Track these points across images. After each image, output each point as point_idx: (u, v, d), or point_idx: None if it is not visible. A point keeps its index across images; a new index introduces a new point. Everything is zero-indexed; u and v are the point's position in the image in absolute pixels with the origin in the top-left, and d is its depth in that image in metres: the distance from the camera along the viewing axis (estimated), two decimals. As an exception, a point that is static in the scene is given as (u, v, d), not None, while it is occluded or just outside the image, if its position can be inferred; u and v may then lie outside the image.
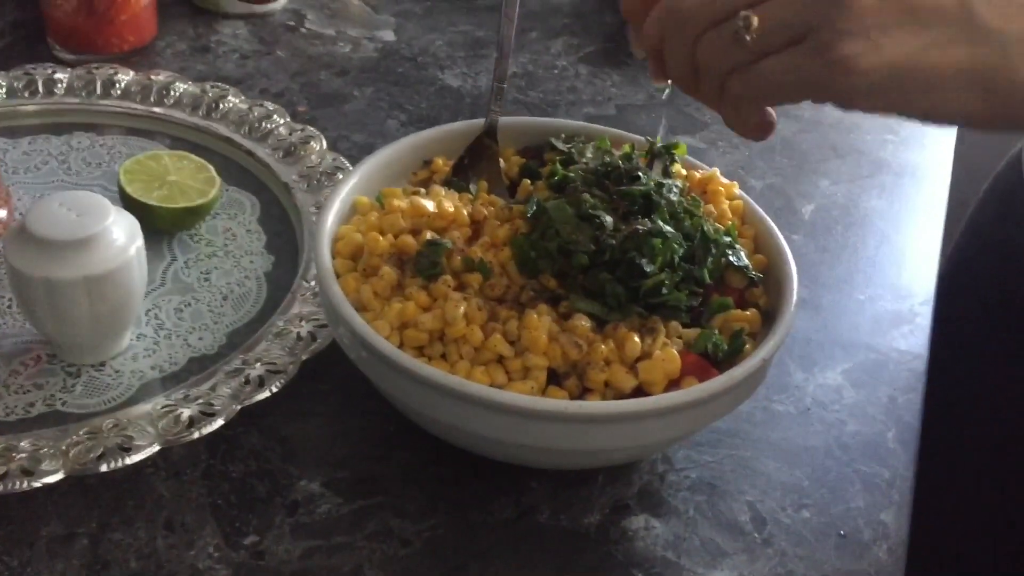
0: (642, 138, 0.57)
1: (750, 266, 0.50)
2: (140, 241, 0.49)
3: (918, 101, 0.39)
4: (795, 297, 0.49)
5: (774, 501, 0.50)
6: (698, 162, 0.57)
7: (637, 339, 0.45)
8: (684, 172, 0.55)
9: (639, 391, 0.45)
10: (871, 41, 0.38)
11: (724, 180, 0.55)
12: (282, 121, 0.68)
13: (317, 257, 0.48)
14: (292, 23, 0.84)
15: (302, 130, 0.67)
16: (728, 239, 0.50)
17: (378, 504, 0.48)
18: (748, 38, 0.39)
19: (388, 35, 0.84)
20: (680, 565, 0.47)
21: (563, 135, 0.58)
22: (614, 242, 0.47)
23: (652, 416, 0.43)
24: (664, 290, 0.47)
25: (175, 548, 0.45)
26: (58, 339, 0.50)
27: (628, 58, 0.84)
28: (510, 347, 0.44)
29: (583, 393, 0.45)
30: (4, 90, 0.68)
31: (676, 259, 0.48)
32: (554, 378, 0.45)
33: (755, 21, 0.39)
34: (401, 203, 0.51)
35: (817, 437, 0.54)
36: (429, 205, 0.50)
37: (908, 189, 0.74)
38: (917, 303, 0.64)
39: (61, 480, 0.45)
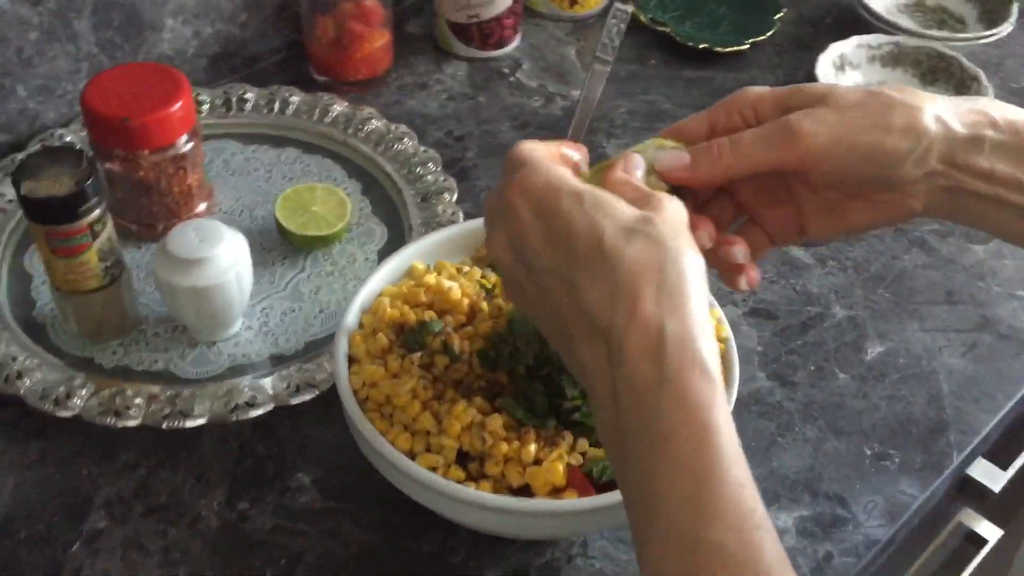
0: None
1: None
2: (243, 265, 0.66)
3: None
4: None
5: (654, 612, 0.57)
6: (711, 300, 0.63)
7: (533, 448, 0.54)
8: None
9: (527, 488, 0.54)
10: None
11: (713, 321, 0.61)
12: (434, 169, 0.82)
13: (347, 311, 0.62)
14: (507, 70, 0.97)
15: (444, 180, 0.81)
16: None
17: (343, 509, 0.62)
18: None
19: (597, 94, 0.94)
20: (540, 636, 0.56)
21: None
22: (552, 362, 0.56)
23: (505, 513, 0.52)
24: (578, 414, 0.55)
25: (193, 496, 0.62)
26: (181, 321, 0.69)
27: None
28: (436, 425, 0.56)
29: (480, 477, 0.55)
30: (251, 104, 0.88)
31: (602, 388, 0.56)
32: (466, 457, 0.56)
33: None
34: (429, 279, 0.63)
35: (731, 570, 0.59)
36: (449, 284, 0.62)
37: (1002, 352, 0.72)
38: (925, 474, 0.65)
39: (140, 424, 0.64)
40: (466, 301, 0.61)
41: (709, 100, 0.94)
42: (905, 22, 0.99)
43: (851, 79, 0.94)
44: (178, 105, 0.71)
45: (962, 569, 0.93)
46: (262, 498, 0.62)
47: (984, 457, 0.75)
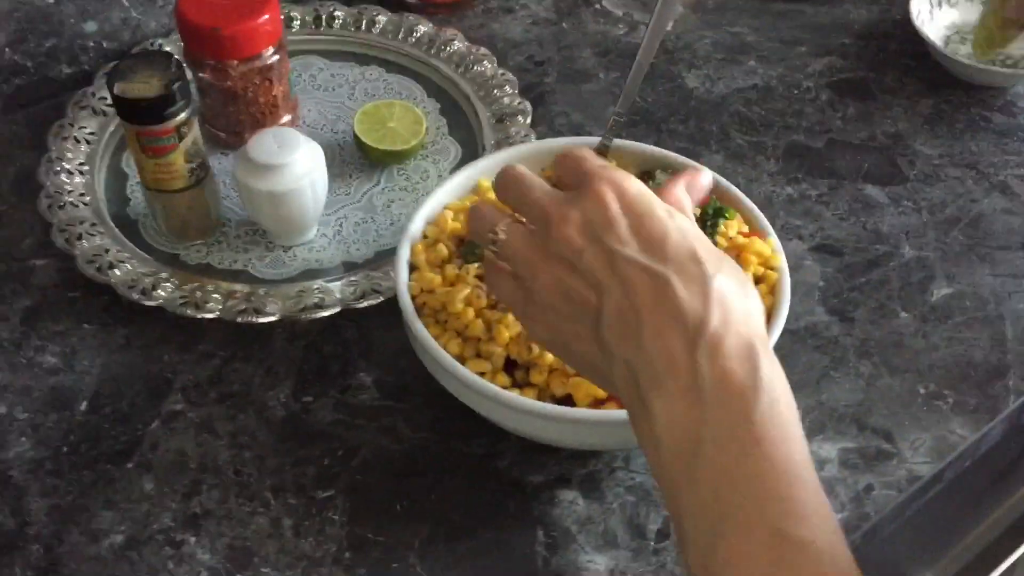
0: (740, 194, 0.64)
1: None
2: (318, 174, 0.69)
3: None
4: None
5: (688, 526, 0.59)
6: (764, 224, 0.63)
7: (577, 359, 0.56)
8: (731, 235, 0.62)
9: (570, 398, 0.56)
10: (530, 320, 0.50)
11: (767, 250, 0.61)
12: (511, 91, 0.83)
13: (411, 222, 0.64)
14: (594, -3, 0.97)
15: (519, 103, 0.82)
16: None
17: (399, 408, 0.65)
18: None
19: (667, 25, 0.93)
20: (576, 539, 0.59)
21: (670, 169, 0.67)
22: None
23: (546, 419, 0.55)
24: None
25: (262, 387, 0.66)
26: (259, 225, 0.73)
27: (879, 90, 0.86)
28: (486, 333, 0.58)
29: (526, 384, 0.57)
30: (340, 22, 0.90)
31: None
32: (514, 365, 0.58)
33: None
34: (492, 195, 0.65)
35: (769, 493, 0.61)
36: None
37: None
38: (978, 415, 0.64)
39: (217, 317, 0.68)
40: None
41: (798, 34, 0.93)
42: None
43: (947, 18, 0.91)
44: (265, 17, 0.74)
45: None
46: (324, 393, 0.66)
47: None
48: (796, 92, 0.87)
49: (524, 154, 0.69)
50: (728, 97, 0.86)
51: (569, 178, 0.51)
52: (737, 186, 0.74)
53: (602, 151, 0.67)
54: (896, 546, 0.70)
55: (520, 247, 0.50)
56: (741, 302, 0.45)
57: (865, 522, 0.59)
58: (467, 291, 0.59)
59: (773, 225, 0.63)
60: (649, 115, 0.84)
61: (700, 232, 0.48)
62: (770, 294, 0.60)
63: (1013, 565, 0.92)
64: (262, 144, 0.68)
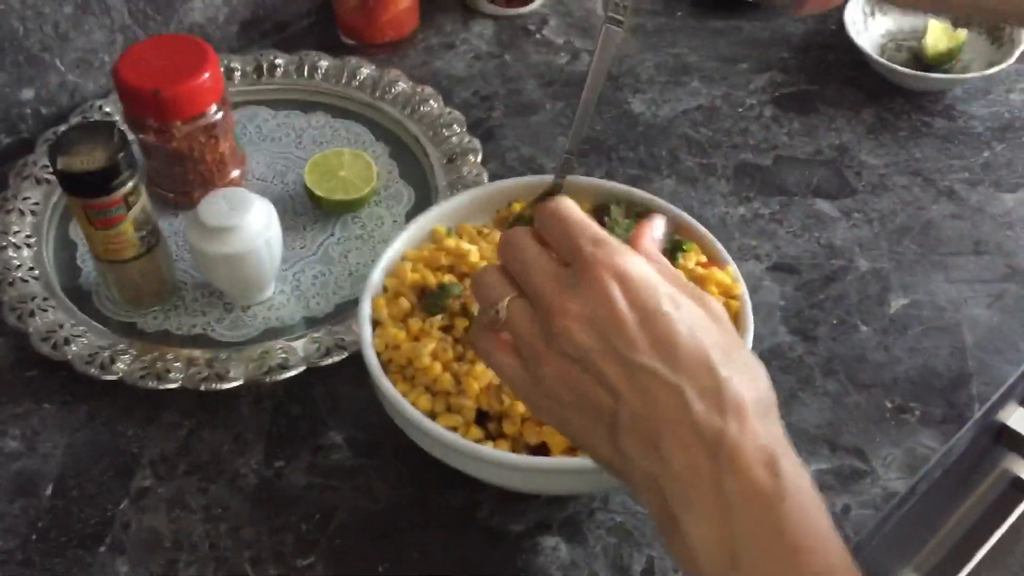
0: (696, 223, 0.65)
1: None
2: (272, 232, 0.68)
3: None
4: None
5: (671, 563, 0.59)
6: (722, 253, 0.63)
7: (550, 407, 0.56)
8: (690, 267, 0.62)
9: (544, 446, 0.56)
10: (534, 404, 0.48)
11: (727, 279, 0.62)
12: (459, 130, 0.83)
13: (371, 273, 0.64)
14: (533, 27, 0.97)
15: (468, 141, 0.82)
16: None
17: (372, 466, 0.64)
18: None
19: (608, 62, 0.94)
20: (561, 586, 0.59)
21: (624, 204, 0.67)
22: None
23: (523, 471, 0.54)
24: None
25: (232, 454, 0.65)
26: (216, 287, 0.72)
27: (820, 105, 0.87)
28: (456, 386, 0.58)
29: (499, 436, 0.57)
30: (281, 70, 0.89)
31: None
32: (485, 417, 0.58)
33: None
34: (449, 242, 0.64)
35: (749, 522, 0.61)
36: (468, 248, 0.63)
37: (1028, 305, 0.72)
38: (946, 427, 0.65)
39: (180, 387, 0.67)
40: (484, 264, 0.63)
41: (738, 50, 0.94)
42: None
43: (881, 26, 0.93)
44: (206, 76, 0.73)
45: (1008, 514, 0.94)
46: (297, 456, 0.65)
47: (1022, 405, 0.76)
48: (740, 110, 0.88)
49: (477, 198, 0.69)
50: (675, 120, 0.87)
51: (558, 245, 0.48)
52: (691, 210, 0.75)
53: (555, 190, 0.67)
54: (876, 554, 0.71)
55: (525, 331, 0.47)
56: (754, 397, 0.44)
57: (847, 543, 0.60)
58: (433, 345, 0.59)
59: (729, 247, 0.63)
60: (599, 143, 0.85)
61: (704, 318, 0.46)
62: (733, 323, 0.61)
63: (986, 556, 0.94)
64: (213, 206, 0.67)
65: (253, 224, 0.67)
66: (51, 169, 0.79)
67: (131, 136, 0.73)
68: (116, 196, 0.64)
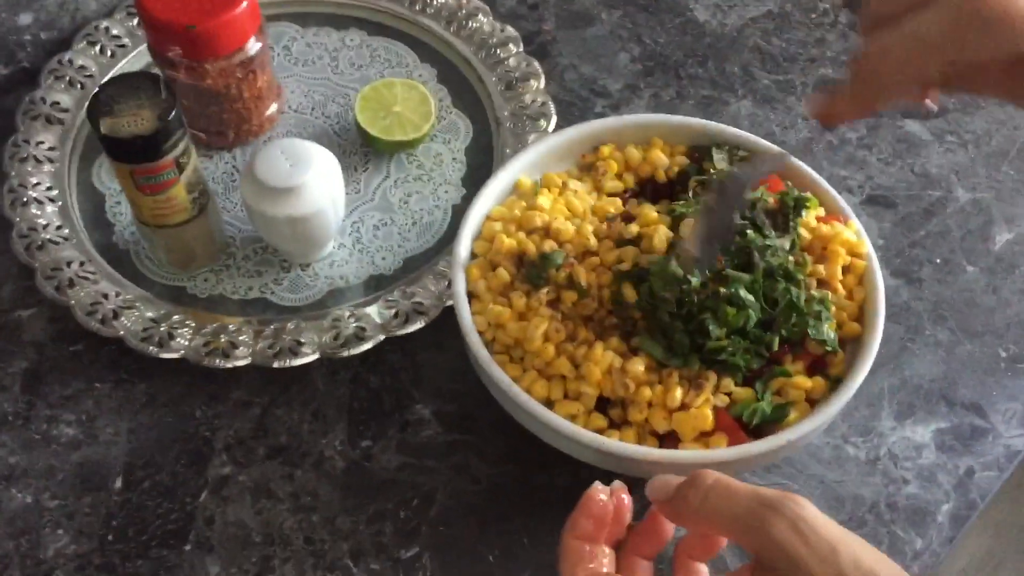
0: (804, 167, 0.59)
1: (830, 338, 0.53)
2: (337, 188, 0.62)
3: None
4: (856, 385, 0.52)
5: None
6: (844, 206, 0.58)
7: (679, 393, 0.51)
8: (813, 224, 0.57)
9: (673, 433, 0.52)
10: None
11: (852, 237, 0.57)
12: (515, 50, 0.75)
13: (457, 242, 0.58)
14: (575, -81, 0.88)
15: (527, 64, 0.74)
16: (819, 308, 0.54)
17: (467, 442, 0.60)
18: None
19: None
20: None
21: (727, 147, 0.61)
22: (695, 300, 0.52)
23: (659, 465, 0.51)
24: (723, 354, 0.52)
25: (313, 434, 0.60)
26: (273, 247, 0.65)
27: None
28: (573, 370, 0.53)
29: (623, 423, 0.53)
30: (305, -22, 0.80)
31: (749, 325, 0.52)
32: (606, 402, 0.53)
33: None
34: (543, 201, 0.58)
35: (871, 490, 0.58)
36: (562, 223, 0.57)
37: None
38: (1065, 375, 0.63)
39: (250, 364, 0.61)
40: (589, 227, 0.57)
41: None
42: None
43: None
44: (244, 4, 0.64)
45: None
46: (383, 434, 0.60)
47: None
48: (814, 16, 0.80)
49: (558, 145, 0.62)
50: (744, 30, 0.80)
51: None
52: (772, 136, 0.70)
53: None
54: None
55: None
56: None
57: (973, 510, 0.57)
58: (545, 325, 0.54)
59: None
60: (664, 59, 0.78)
61: None
62: (859, 285, 0.56)
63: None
64: (270, 162, 0.60)
65: (318, 181, 0.60)
66: (62, 106, 0.71)
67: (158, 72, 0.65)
68: (168, 160, 0.57)
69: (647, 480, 0.44)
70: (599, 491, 0.45)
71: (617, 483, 0.45)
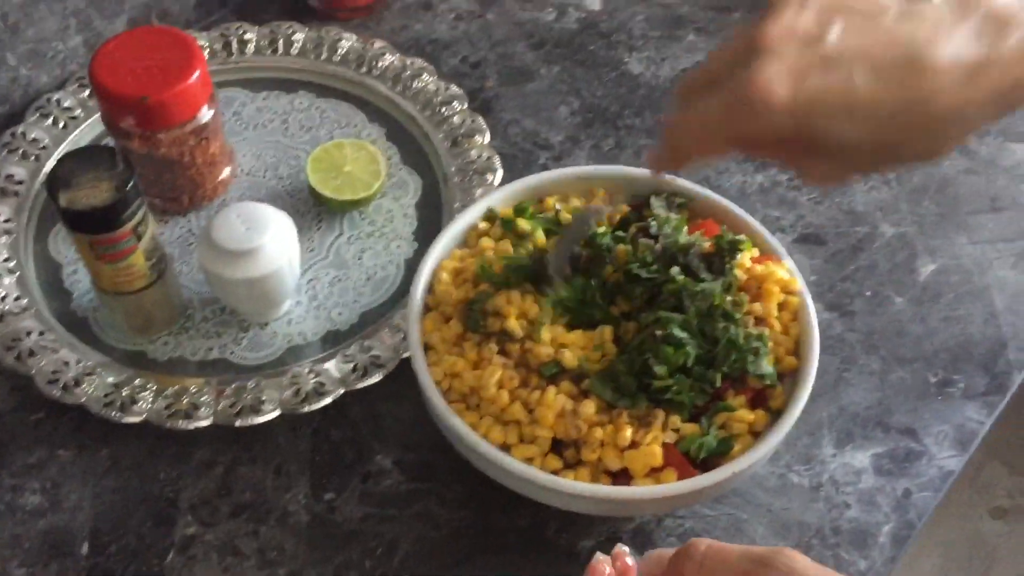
0: (745, 215, 0.62)
1: (769, 372, 0.56)
2: (293, 249, 0.64)
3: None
4: (796, 416, 0.55)
5: (747, 566, 0.59)
6: (777, 247, 0.62)
7: (629, 432, 0.54)
8: (748, 265, 0.60)
9: (625, 471, 0.55)
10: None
11: (785, 276, 0.60)
12: (459, 107, 0.78)
13: (411, 295, 0.60)
14: (512, -20, 0.91)
15: (472, 120, 0.77)
16: (757, 344, 0.57)
17: (428, 489, 0.62)
18: None
19: (595, 3, 0.89)
20: (642, 601, 0.58)
21: (664, 194, 0.64)
22: (634, 342, 0.55)
23: (614, 502, 0.53)
24: (669, 393, 0.55)
25: (277, 489, 0.62)
26: (232, 308, 0.67)
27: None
28: (528, 415, 0.55)
29: (578, 463, 0.55)
30: (253, 45, 0.82)
31: (690, 363, 0.55)
32: (560, 444, 0.56)
33: None
34: (488, 243, 0.61)
35: (815, 515, 0.61)
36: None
37: (1052, 263, 0.73)
38: (990, 398, 0.66)
39: (212, 424, 0.63)
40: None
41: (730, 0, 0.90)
42: None
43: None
44: (195, 75, 0.66)
45: None
46: (346, 486, 0.62)
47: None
48: (741, 66, 0.85)
49: (502, 200, 0.65)
50: (676, 81, 0.83)
51: None
52: (707, 181, 0.74)
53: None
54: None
55: None
56: None
57: (912, 530, 0.61)
58: (499, 373, 0.56)
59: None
60: (603, 111, 0.81)
61: None
62: (794, 320, 0.59)
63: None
64: (227, 226, 0.62)
65: (274, 242, 0.62)
66: (16, 178, 0.73)
67: (110, 142, 0.66)
68: (126, 228, 0.59)
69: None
70: (601, 561, 0.46)
71: (619, 547, 0.46)
